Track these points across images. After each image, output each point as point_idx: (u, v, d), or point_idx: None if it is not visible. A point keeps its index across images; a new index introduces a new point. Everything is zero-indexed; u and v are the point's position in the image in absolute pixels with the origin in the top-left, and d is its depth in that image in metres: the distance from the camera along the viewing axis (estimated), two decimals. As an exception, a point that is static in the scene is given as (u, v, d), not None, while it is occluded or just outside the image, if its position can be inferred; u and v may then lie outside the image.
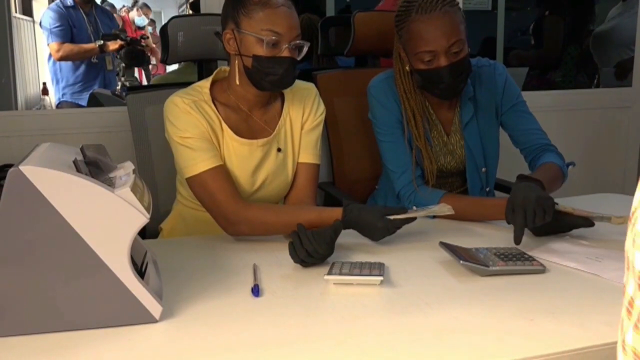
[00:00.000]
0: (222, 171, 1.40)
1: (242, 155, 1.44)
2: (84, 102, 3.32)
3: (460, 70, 1.51)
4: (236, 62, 1.41)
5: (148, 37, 4.43)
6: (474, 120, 1.65)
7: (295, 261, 1.20)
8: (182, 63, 2.38)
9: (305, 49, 1.41)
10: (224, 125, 1.43)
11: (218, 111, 1.43)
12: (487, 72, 1.68)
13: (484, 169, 1.70)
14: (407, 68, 1.58)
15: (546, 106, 2.66)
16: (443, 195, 1.53)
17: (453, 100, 1.65)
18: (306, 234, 1.20)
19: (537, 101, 2.65)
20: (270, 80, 1.38)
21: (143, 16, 5.69)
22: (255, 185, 1.47)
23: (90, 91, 3.34)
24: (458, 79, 1.52)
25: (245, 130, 1.45)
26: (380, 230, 1.29)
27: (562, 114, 2.69)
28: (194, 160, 1.37)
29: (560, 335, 0.93)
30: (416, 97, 1.60)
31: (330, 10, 4.75)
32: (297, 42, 1.38)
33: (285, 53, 1.36)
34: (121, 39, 3.58)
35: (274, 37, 1.34)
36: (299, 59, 1.40)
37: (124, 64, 3.92)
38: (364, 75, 1.79)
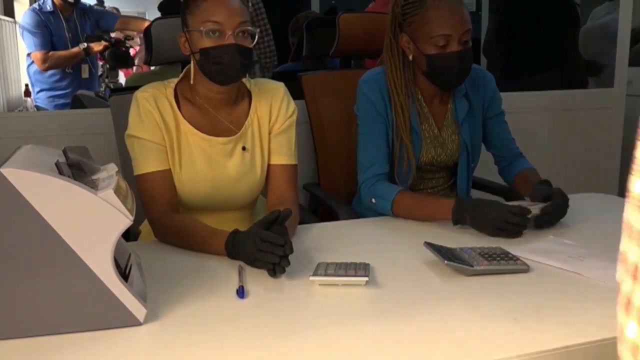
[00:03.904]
0: (163, 177, 1.42)
1: (202, 150, 1.45)
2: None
3: (468, 59, 1.58)
4: (191, 62, 1.43)
5: (133, 38, 4.40)
6: (470, 115, 1.70)
7: (280, 271, 1.15)
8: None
9: (256, 36, 1.42)
10: (182, 120, 1.44)
11: (180, 107, 1.45)
12: (478, 76, 1.74)
13: (473, 164, 1.75)
14: (410, 57, 1.61)
15: (529, 107, 2.68)
16: (399, 191, 1.56)
17: (445, 95, 1.70)
18: (265, 237, 1.15)
19: (521, 102, 2.68)
20: (217, 70, 1.39)
21: None
22: (221, 182, 1.47)
23: (63, 100, 3.29)
24: (465, 67, 1.58)
25: (208, 127, 1.46)
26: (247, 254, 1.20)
27: (545, 115, 2.71)
28: (141, 160, 1.41)
29: (544, 334, 0.94)
30: (407, 91, 1.63)
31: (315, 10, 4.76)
32: (242, 29, 1.37)
33: (229, 41, 1.36)
34: (105, 40, 3.55)
35: (214, 27, 1.35)
36: (251, 46, 1.40)
37: (108, 66, 3.89)
38: (349, 76, 1.80)
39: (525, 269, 1.19)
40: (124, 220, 0.94)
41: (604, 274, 1.14)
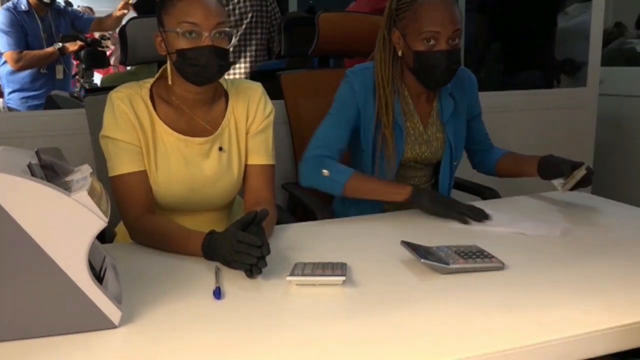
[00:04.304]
0: (138, 178, 1.41)
1: (178, 150, 1.44)
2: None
3: (456, 59, 1.59)
4: (168, 62, 1.42)
5: (109, 38, 4.35)
6: (454, 115, 1.73)
7: (257, 272, 1.14)
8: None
9: (233, 37, 1.41)
10: (158, 121, 1.43)
11: (155, 107, 1.44)
12: (463, 76, 1.77)
13: (455, 162, 1.79)
14: (399, 53, 1.63)
15: (505, 106, 2.71)
16: (353, 173, 1.60)
17: (431, 94, 1.72)
18: (242, 238, 1.15)
19: (497, 101, 2.71)
20: (194, 72, 1.38)
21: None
22: (197, 183, 1.46)
23: (36, 102, 3.24)
24: (452, 67, 1.60)
25: (184, 127, 1.45)
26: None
27: (520, 114, 2.74)
28: (115, 162, 1.40)
29: (518, 331, 0.95)
30: (393, 87, 1.65)
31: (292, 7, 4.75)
32: (219, 29, 1.37)
33: (206, 42, 1.35)
34: (81, 40, 3.50)
35: (190, 28, 1.34)
36: (229, 47, 1.40)
37: (83, 66, 3.84)
38: (328, 75, 1.80)
39: (500, 266, 1.20)
40: (98, 222, 0.93)
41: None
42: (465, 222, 1.49)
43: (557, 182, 1.62)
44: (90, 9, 4.96)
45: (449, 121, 1.73)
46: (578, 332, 0.95)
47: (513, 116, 2.72)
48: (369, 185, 1.62)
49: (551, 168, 1.65)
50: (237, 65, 3.15)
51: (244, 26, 3.11)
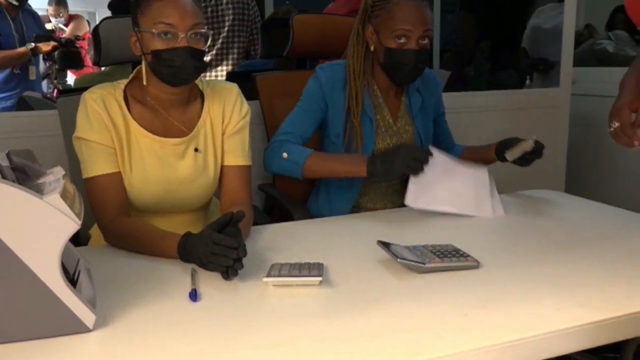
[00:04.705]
0: (112, 180, 1.39)
1: (153, 151, 1.43)
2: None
3: (424, 58, 1.66)
4: (143, 63, 1.41)
5: (84, 39, 4.29)
6: (422, 109, 1.80)
7: (233, 274, 1.14)
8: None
9: (209, 38, 1.41)
10: (132, 122, 1.41)
11: (129, 108, 1.42)
12: (430, 77, 1.86)
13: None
14: (372, 48, 1.69)
15: (481, 106, 2.73)
16: (311, 152, 1.64)
17: (399, 89, 1.78)
18: (218, 239, 1.14)
19: (474, 101, 2.73)
20: (170, 73, 1.37)
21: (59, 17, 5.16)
22: (172, 184, 1.45)
23: (10, 103, 3.18)
24: (420, 66, 1.67)
25: (159, 128, 1.44)
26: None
27: (495, 114, 2.77)
28: (89, 163, 1.38)
29: (492, 329, 0.96)
30: (363, 79, 1.71)
31: (269, 12, 4.74)
32: (195, 31, 1.36)
33: (182, 43, 1.34)
34: (55, 40, 3.45)
35: (166, 28, 1.33)
36: (205, 48, 1.39)
37: (57, 67, 3.78)
38: (304, 76, 1.79)
39: (475, 265, 1.21)
40: (72, 225, 0.91)
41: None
42: (417, 173, 1.54)
43: (507, 153, 1.69)
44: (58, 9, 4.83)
45: (418, 114, 1.80)
46: (552, 329, 0.96)
47: (489, 116, 2.75)
48: (326, 164, 1.66)
49: (503, 145, 1.73)
50: (219, 68, 3.15)
51: (226, 29, 3.10)
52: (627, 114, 1.54)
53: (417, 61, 1.64)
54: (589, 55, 3.59)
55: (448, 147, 1.92)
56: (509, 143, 1.71)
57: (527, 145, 1.65)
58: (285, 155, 1.64)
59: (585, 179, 3.17)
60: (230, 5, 3.12)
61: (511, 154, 1.66)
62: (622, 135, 1.55)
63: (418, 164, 1.51)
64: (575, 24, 2.91)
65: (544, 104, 2.88)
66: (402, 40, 1.62)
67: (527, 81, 3.41)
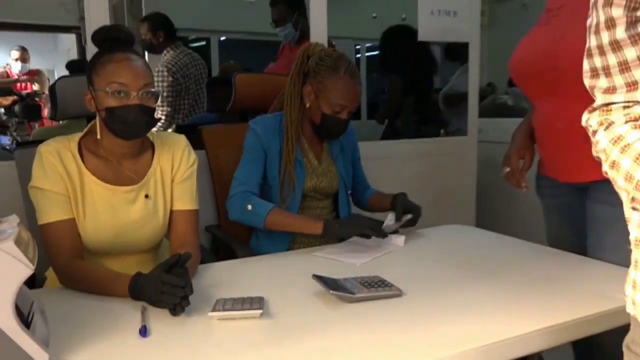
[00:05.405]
0: (66, 226, 1.35)
1: (106, 199, 1.40)
2: None
3: (347, 125, 1.76)
4: (97, 118, 1.39)
5: (44, 93, 4.17)
6: (341, 153, 1.88)
7: (180, 311, 1.11)
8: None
9: (159, 97, 1.42)
10: (86, 172, 1.38)
11: (83, 159, 1.39)
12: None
13: (350, 191, 1.93)
14: (307, 105, 1.74)
15: (402, 154, 2.81)
16: (273, 207, 1.66)
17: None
18: (166, 279, 1.12)
19: (396, 149, 2.81)
20: (123, 128, 1.36)
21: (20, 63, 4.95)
22: (124, 228, 1.42)
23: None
24: (343, 131, 1.78)
25: (112, 177, 1.41)
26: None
27: (412, 160, 2.85)
28: (44, 211, 1.34)
29: (413, 350, 0.98)
30: (296, 129, 1.77)
31: (215, 70, 4.77)
32: (146, 90, 1.35)
33: (134, 101, 1.34)
34: (14, 94, 3.35)
35: (119, 88, 1.32)
36: (154, 106, 1.39)
37: (17, 119, 3.65)
38: (244, 129, 1.81)
39: (398, 293, 1.23)
40: (25, 270, 0.88)
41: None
42: (368, 237, 1.60)
43: (389, 218, 1.70)
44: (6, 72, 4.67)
45: (338, 156, 1.87)
46: (464, 348, 0.99)
47: (409, 161, 2.82)
48: (286, 219, 1.68)
49: (395, 200, 1.79)
50: (174, 118, 3.16)
51: (180, 86, 3.10)
52: (515, 160, 1.64)
53: (345, 127, 1.75)
54: (492, 108, 3.77)
55: (362, 188, 1.99)
56: (399, 201, 1.76)
57: (399, 224, 1.70)
58: (249, 207, 1.65)
59: (493, 214, 3.28)
60: (191, 66, 3.15)
61: (389, 227, 1.69)
62: (512, 179, 1.65)
63: (372, 232, 1.59)
64: (479, 82, 3.06)
65: (456, 150, 2.98)
66: (337, 110, 1.70)
67: (442, 131, 3.56)
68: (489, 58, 4.63)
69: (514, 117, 2.17)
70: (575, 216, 1.58)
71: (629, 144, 0.75)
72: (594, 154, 0.84)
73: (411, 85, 3.43)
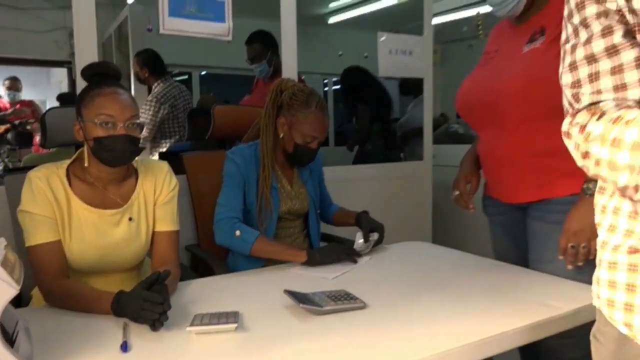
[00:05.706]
0: (53, 248, 1.30)
1: (91, 221, 1.36)
2: None
3: (316, 153, 1.77)
4: (85, 147, 1.36)
5: (34, 121, 4.06)
6: (310, 176, 1.87)
7: (159, 326, 1.08)
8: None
9: (144, 127, 1.39)
10: (73, 197, 1.35)
11: (71, 184, 1.36)
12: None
13: (318, 211, 1.93)
14: (280, 135, 1.73)
15: (362, 178, 2.82)
16: (259, 234, 1.64)
17: None
18: (146, 296, 1.09)
19: (364, 172, 2.83)
20: (109, 156, 1.33)
21: (9, 91, 4.84)
22: (108, 249, 1.38)
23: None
24: (314, 158, 1.78)
25: (97, 201, 1.38)
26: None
27: (375, 183, 2.87)
28: (32, 233, 1.29)
29: (372, 357, 0.97)
30: (272, 156, 1.76)
31: (195, 100, 4.74)
32: (132, 121, 1.34)
33: (120, 131, 1.31)
34: (7, 122, 3.26)
35: (107, 119, 1.30)
36: (139, 136, 1.36)
37: (9, 146, 3.55)
38: (222, 156, 1.79)
39: (362, 306, 1.22)
40: (10, 291, 0.84)
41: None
42: (354, 262, 1.63)
43: (358, 237, 1.73)
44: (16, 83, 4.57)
45: (308, 180, 1.87)
46: (424, 355, 0.98)
47: (374, 183, 2.84)
48: (272, 247, 1.64)
49: (360, 218, 1.83)
50: (159, 144, 3.12)
51: (166, 114, 3.08)
52: (463, 184, 1.67)
53: (314, 155, 1.76)
54: (445, 135, 3.84)
55: (326, 205, 2.00)
56: (364, 220, 1.79)
57: (369, 246, 1.73)
58: (238, 233, 1.62)
59: (448, 231, 3.32)
60: (180, 101, 3.14)
61: (360, 247, 1.72)
62: (461, 201, 1.67)
63: (348, 258, 1.63)
64: (432, 113, 3.11)
65: (413, 173, 3.02)
66: (309, 140, 1.71)
67: (402, 155, 3.61)
68: (442, 91, 4.74)
69: (465, 144, 2.22)
70: (517, 232, 1.60)
71: (632, 119, 0.65)
72: (579, 158, 0.73)
73: (376, 114, 3.52)
